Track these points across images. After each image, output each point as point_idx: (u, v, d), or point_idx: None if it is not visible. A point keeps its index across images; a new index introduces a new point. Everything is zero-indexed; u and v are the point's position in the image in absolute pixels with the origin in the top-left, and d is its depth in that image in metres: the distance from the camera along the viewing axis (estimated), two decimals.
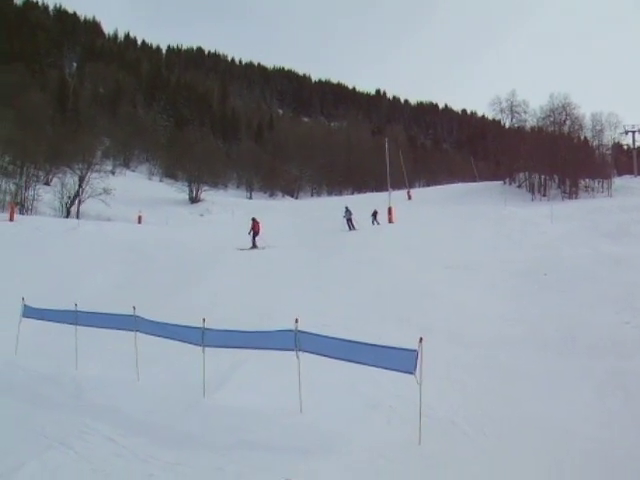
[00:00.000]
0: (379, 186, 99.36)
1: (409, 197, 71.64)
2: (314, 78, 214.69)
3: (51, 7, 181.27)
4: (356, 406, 11.88)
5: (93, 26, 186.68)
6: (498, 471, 9.02)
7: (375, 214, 47.36)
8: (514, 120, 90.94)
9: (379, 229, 41.72)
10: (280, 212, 68.96)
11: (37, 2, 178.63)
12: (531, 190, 77.03)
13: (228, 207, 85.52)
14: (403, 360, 9.66)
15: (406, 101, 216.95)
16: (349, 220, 42.95)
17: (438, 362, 12.91)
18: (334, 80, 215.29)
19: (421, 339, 9.58)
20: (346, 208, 43.89)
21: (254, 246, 36.51)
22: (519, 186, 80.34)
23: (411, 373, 9.58)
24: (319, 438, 10.25)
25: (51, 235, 40.99)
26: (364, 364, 10.53)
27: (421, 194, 76.38)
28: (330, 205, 65.46)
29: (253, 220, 38.69)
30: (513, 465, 9.21)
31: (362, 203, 55.30)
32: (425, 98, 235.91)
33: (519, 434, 10.39)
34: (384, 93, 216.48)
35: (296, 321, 10.98)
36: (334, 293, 22.64)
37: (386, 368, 10.16)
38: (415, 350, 9.51)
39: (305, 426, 10.78)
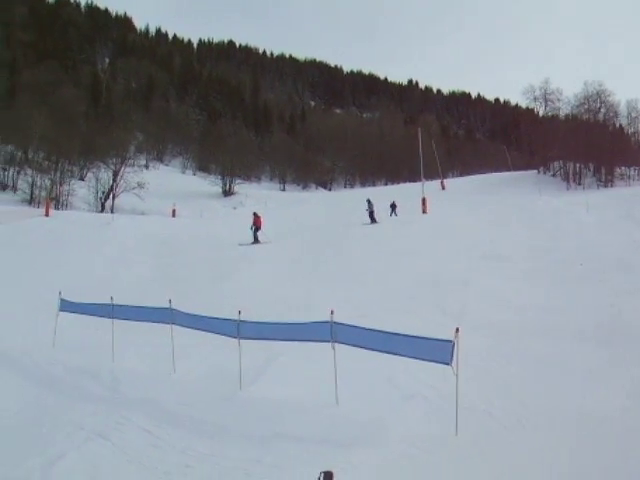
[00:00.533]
0: (412, 176, 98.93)
1: (443, 187, 71.15)
2: (346, 69, 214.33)
3: (83, 4, 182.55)
4: (392, 397, 11.83)
5: (124, 21, 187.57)
6: (535, 462, 8.90)
7: (393, 206, 47.59)
8: (548, 108, 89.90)
9: (413, 219, 41.41)
10: (312, 204, 68.97)
11: None
12: (566, 179, 76.39)
13: (261, 199, 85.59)
14: (439, 351, 9.59)
15: (438, 90, 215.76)
16: (371, 213, 42.41)
17: (474, 352, 12.81)
18: (366, 71, 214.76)
19: (457, 329, 9.51)
20: (368, 201, 43.46)
21: (256, 241, 36.07)
22: (553, 175, 79.70)
23: (447, 364, 9.51)
24: (355, 430, 10.20)
25: (86, 229, 41.31)
26: (400, 355, 10.48)
27: (455, 184, 75.91)
28: (363, 196, 65.38)
29: (254, 215, 37.89)
30: (550, 456, 9.08)
31: (395, 194, 55.07)
32: (457, 87, 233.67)
33: (556, 425, 10.26)
34: (416, 83, 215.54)
35: (332, 312, 10.95)
36: (370, 284, 22.60)
37: (422, 359, 10.10)
38: (451, 341, 9.44)
39: (341, 418, 10.75)
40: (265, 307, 18.39)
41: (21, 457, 9.55)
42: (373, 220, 41.81)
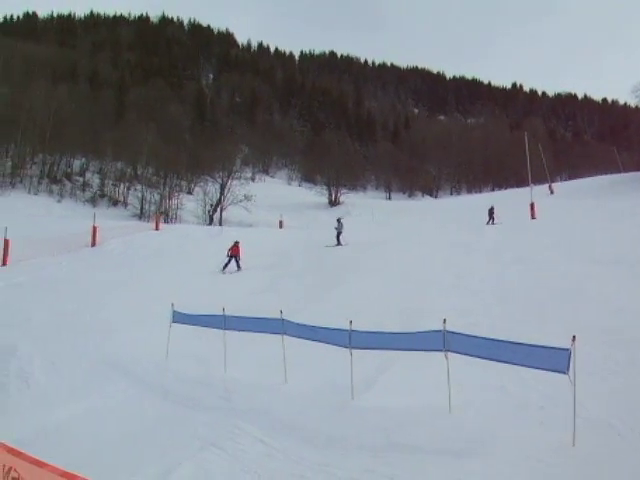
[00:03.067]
0: (519, 182, 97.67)
1: (551, 191, 69.82)
2: (448, 75, 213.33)
3: (186, 22, 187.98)
4: (506, 407, 11.62)
5: (227, 37, 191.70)
6: None
7: (492, 212, 45.83)
8: None
9: (522, 225, 40.68)
10: (415, 214, 68.68)
11: (172, 18, 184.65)
12: None
13: (367, 209, 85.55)
14: (555, 359, 9.36)
15: (544, 93, 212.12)
16: (339, 234, 39.69)
17: (590, 361, 12.48)
18: (469, 76, 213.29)
19: (574, 337, 9.29)
20: (338, 220, 41.49)
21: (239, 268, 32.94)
22: None
23: (564, 373, 9.28)
24: (469, 439, 10.05)
25: (196, 242, 42.02)
26: (514, 364, 10.29)
27: (563, 188, 74.32)
28: (470, 203, 64.70)
29: (235, 244, 33.99)
30: None
31: (502, 200, 54.39)
32: (563, 89, 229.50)
33: None
34: (520, 86, 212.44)
35: (444, 321, 10.83)
36: (479, 291, 22.29)
37: (538, 368, 9.90)
38: (568, 349, 9.21)
39: (455, 427, 10.61)
40: (376, 315, 18.36)
41: (137, 465, 9.76)
42: (339, 242, 39.33)
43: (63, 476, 5.34)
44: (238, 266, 32.81)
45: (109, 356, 17.17)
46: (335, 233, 39.79)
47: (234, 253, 33.26)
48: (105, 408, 13.40)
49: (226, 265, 32.82)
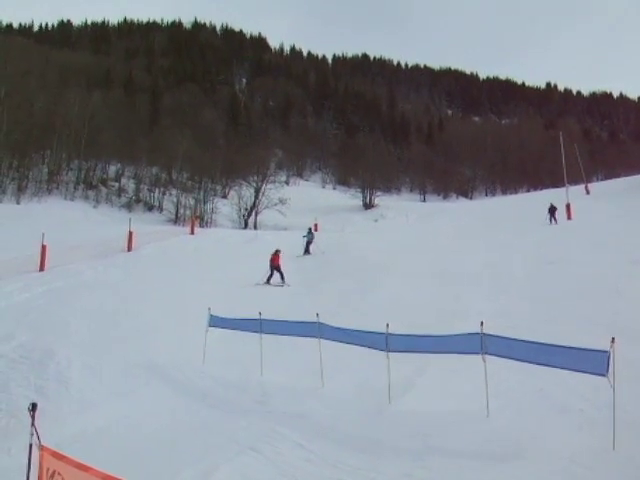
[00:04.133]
0: (555, 182, 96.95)
1: (587, 192, 69.22)
2: (482, 76, 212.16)
3: (219, 27, 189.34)
4: (544, 410, 11.50)
5: (260, 42, 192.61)
6: None
7: (553, 210, 44.69)
8: None
9: (558, 226, 40.46)
10: (450, 216, 68.37)
11: (205, 23, 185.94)
12: None
13: (402, 211, 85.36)
14: (594, 362, 9.25)
15: (578, 92, 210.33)
16: (308, 243, 39.54)
17: (628, 363, 12.30)
18: (502, 76, 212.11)
19: (613, 339, 9.18)
20: (309, 230, 41.90)
21: (268, 282, 30.65)
22: None
23: (604, 375, 9.17)
24: (508, 444, 9.97)
25: (231, 246, 42.22)
26: (553, 366, 10.18)
27: (599, 188, 73.60)
28: (505, 204, 64.38)
29: (276, 253, 32.14)
30: None
31: (537, 200, 53.96)
32: (598, 88, 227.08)
33: None
34: (555, 86, 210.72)
35: (481, 324, 10.76)
36: (516, 293, 22.16)
37: (576, 370, 9.79)
38: (607, 351, 9.10)
39: (493, 431, 10.53)
40: (411, 318, 18.29)
41: (176, 469, 9.80)
42: (307, 251, 39.26)
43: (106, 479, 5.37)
44: (282, 278, 30.79)
45: (147, 360, 17.25)
46: (304, 242, 39.62)
47: (275, 264, 31.30)
48: (143, 412, 13.47)
49: (270, 278, 31.14)
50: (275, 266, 31.28)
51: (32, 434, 6.92)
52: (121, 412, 13.51)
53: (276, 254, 31.88)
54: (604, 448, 9.40)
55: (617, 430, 9.42)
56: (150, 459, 10.36)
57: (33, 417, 6.98)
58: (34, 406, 7.10)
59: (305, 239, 39.81)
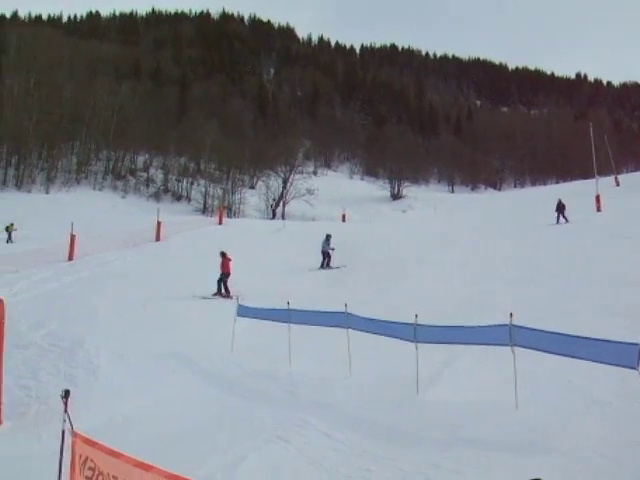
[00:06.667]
0: (584, 173, 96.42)
1: (617, 183, 68.60)
2: (510, 66, 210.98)
3: (246, 17, 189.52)
4: (573, 402, 11.39)
5: (287, 32, 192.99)
6: None
7: (561, 208, 40.59)
8: None
9: (588, 218, 39.98)
10: (479, 207, 68.06)
11: (233, 14, 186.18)
12: None
13: (430, 202, 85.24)
14: (625, 354, 9.13)
15: (609, 83, 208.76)
16: (326, 254, 32.34)
17: None
18: (531, 67, 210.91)
19: None
20: (327, 237, 33.12)
21: (218, 293, 26.10)
22: None
23: (634, 368, 9.08)
24: (536, 435, 9.88)
25: (259, 236, 42.30)
26: (582, 359, 10.08)
27: (629, 179, 72.93)
28: (534, 196, 63.99)
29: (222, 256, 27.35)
30: None
31: (566, 192, 53.53)
32: (629, 78, 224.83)
33: None
34: (584, 76, 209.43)
35: (510, 315, 10.70)
36: (544, 285, 22.02)
37: (607, 363, 9.71)
38: (638, 344, 9.03)
39: (521, 423, 10.44)
40: (439, 308, 18.27)
41: (203, 457, 9.86)
42: (327, 264, 32.15)
43: (138, 466, 5.42)
44: (224, 290, 26.10)
45: (175, 349, 17.31)
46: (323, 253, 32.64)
47: (225, 270, 26.43)
48: (171, 400, 13.54)
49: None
50: (224, 273, 26.55)
51: (65, 420, 6.98)
52: (149, 400, 13.59)
53: (225, 257, 27.16)
54: (632, 441, 9.31)
55: None
56: (178, 447, 10.41)
57: (66, 404, 7.04)
58: (67, 393, 7.16)
59: (328, 245, 32.83)
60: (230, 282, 26.15)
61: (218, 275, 26.32)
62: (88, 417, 11.48)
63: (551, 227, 37.09)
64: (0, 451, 11.06)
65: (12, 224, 46.96)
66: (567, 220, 38.80)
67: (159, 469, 5.21)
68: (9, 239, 45.54)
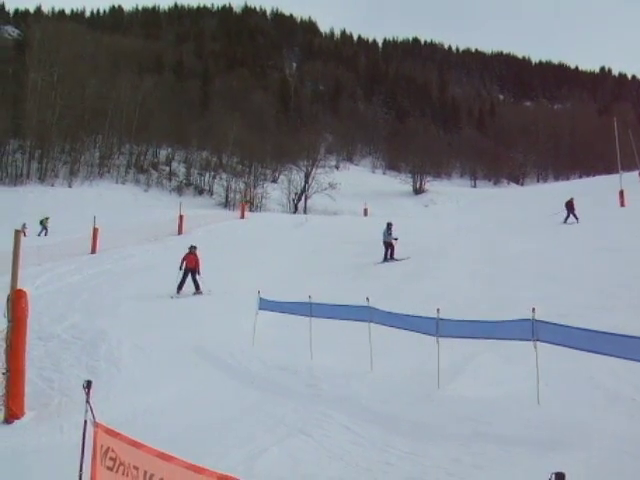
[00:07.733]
0: (608, 168, 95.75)
1: None
2: (534, 60, 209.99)
3: (269, 11, 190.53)
4: (595, 398, 11.34)
5: (310, 26, 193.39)
6: None
7: (571, 206, 38.45)
8: None
9: (611, 213, 39.71)
10: (501, 202, 67.78)
11: (255, 8, 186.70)
12: None
13: (452, 197, 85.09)
14: None
15: (634, 77, 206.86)
16: (388, 245, 30.48)
17: None
18: (555, 60, 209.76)
19: None
20: (387, 225, 31.11)
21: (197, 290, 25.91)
22: None
23: None
24: (558, 431, 9.81)
25: (281, 230, 42.35)
26: (606, 355, 10.00)
27: None
28: (557, 191, 63.56)
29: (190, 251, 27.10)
30: None
31: (588, 187, 53.33)
32: None
33: None
34: (609, 70, 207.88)
35: (533, 310, 10.65)
36: (567, 280, 21.89)
37: (632, 359, 9.64)
38: None
39: (542, 418, 10.38)
40: (461, 303, 18.26)
41: (224, 450, 9.85)
42: (391, 256, 30.43)
43: (159, 457, 5.43)
44: (196, 287, 25.92)
45: (196, 342, 17.38)
46: (385, 243, 30.83)
47: (190, 265, 26.07)
48: (192, 393, 13.58)
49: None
50: (190, 269, 26.23)
51: (87, 411, 7.02)
52: (170, 393, 13.63)
53: (191, 253, 26.86)
54: None
55: None
56: (199, 440, 10.43)
57: (88, 394, 7.08)
58: (89, 384, 7.20)
59: (391, 235, 30.85)
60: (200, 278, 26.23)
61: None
62: (109, 409, 11.53)
63: (571, 224, 36.77)
64: (23, 441, 11.13)
65: (47, 218, 47.79)
66: (577, 219, 37.47)
67: (180, 460, 5.22)
68: (44, 232, 46.14)
